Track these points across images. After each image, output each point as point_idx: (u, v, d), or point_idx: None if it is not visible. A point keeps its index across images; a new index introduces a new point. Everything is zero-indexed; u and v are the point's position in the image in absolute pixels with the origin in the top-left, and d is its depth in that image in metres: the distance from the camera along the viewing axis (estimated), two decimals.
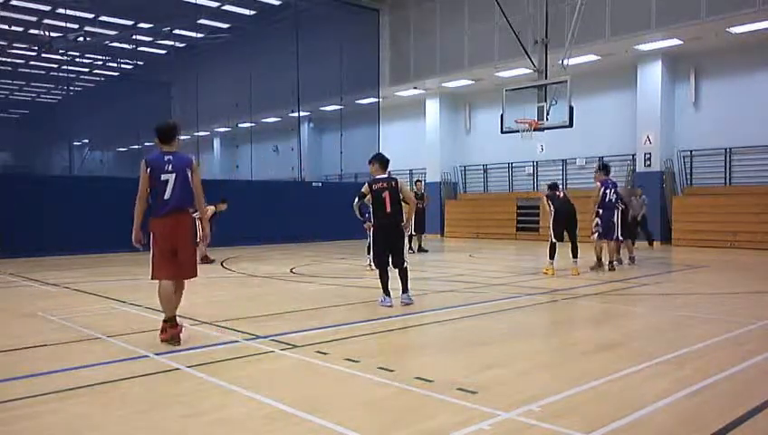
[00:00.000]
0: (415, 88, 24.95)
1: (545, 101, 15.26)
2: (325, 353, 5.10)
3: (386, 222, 7.64)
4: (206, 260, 13.43)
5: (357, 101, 25.15)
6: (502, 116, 16.07)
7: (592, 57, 19.36)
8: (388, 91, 25.02)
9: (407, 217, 7.65)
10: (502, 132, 16.34)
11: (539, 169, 23.47)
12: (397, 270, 7.70)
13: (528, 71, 17.34)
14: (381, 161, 7.98)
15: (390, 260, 7.66)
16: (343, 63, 23.53)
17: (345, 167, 24.82)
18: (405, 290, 7.72)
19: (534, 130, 15.51)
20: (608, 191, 11.88)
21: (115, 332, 6.09)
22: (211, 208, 13.23)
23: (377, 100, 24.25)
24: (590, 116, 19.81)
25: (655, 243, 17.85)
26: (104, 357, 5.13)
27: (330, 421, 3.53)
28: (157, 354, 5.15)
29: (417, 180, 19.38)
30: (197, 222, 6.37)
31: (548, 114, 15.18)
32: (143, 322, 6.77)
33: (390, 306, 7.50)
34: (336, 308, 7.66)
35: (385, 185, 7.71)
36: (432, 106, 26.11)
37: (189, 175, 5.70)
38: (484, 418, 3.58)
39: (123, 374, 4.58)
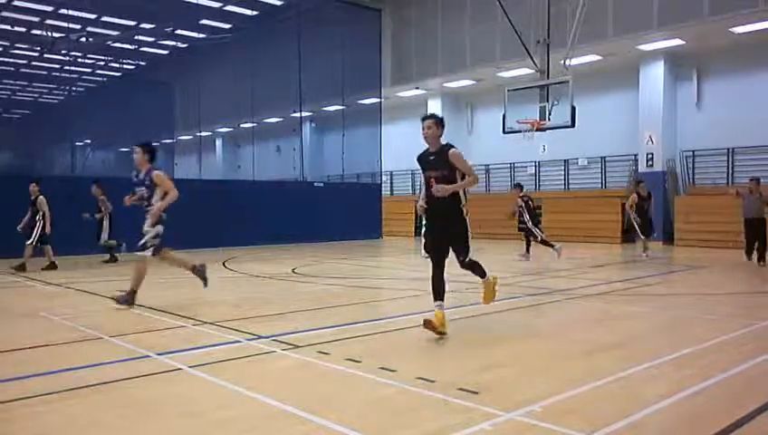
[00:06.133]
0: (417, 88, 24.96)
1: (547, 101, 15.26)
2: (327, 354, 5.10)
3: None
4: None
5: (359, 102, 25.16)
6: (504, 116, 16.07)
7: (594, 57, 19.36)
8: (390, 92, 25.03)
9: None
10: (504, 133, 16.34)
11: (541, 169, 23.46)
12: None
13: (530, 71, 17.34)
14: None
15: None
16: (345, 64, 23.54)
17: (347, 167, 24.84)
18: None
19: (536, 130, 15.51)
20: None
21: (117, 332, 6.10)
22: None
23: (379, 100, 24.25)
24: (593, 116, 19.81)
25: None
26: (106, 357, 5.14)
27: (331, 421, 3.53)
28: (159, 354, 5.16)
29: (640, 181, 15.73)
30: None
31: (550, 114, 15.18)
32: (145, 322, 6.79)
33: None
34: (338, 308, 7.66)
35: None
36: (434, 106, 26.10)
37: None
38: (486, 418, 3.58)
39: (125, 374, 4.58)
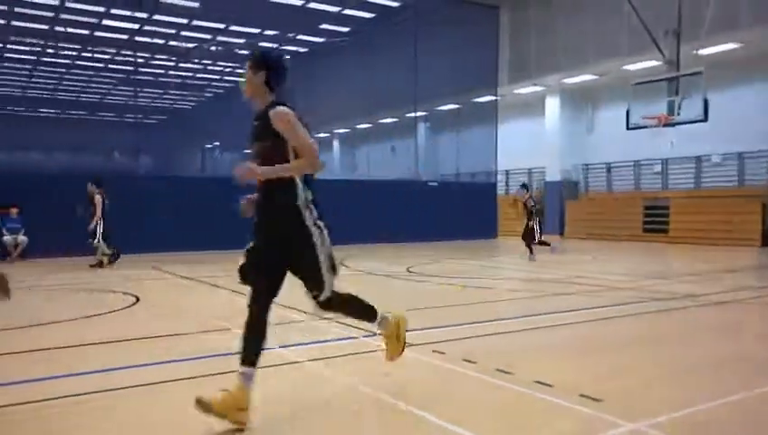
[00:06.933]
0: (534, 85, 24.37)
1: (676, 94, 14.39)
2: (442, 353, 5.09)
3: None
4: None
5: (474, 100, 24.96)
6: (628, 111, 15.33)
7: (731, 45, 17.93)
8: (507, 89, 24.62)
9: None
10: (628, 129, 15.59)
11: (669, 166, 22.11)
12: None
13: (657, 63, 16.40)
14: None
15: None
16: (461, 62, 23.43)
17: (462, 166, 24.70)
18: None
19: (664, 125, 14.68)
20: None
21: (242, 324, 6.41)
22: None
23: (495, 98, 23.93)
24: (728, 109, 18.33)
25: None
26: (230, 348, 5.41)
27: (447, 421, 3.52)
28: (281, 347, 5.37)
29: None
30: None
31: (680, 108, 14.30)
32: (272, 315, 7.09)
33: None
34: (453, 308, 7.63)
35: None
36: (552, 103, 25.37)
37: None
38: (609, 427, 3.42)
39: None
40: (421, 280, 10.65)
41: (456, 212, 21.06)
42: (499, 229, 23.18)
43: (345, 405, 3.90)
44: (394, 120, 30.20)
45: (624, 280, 10.42)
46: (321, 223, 3.83)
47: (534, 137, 26.03)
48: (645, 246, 19.49)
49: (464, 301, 8.23)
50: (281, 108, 3.73)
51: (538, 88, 24.64)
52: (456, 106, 26.59)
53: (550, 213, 24.84)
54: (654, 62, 17.27)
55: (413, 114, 24.88)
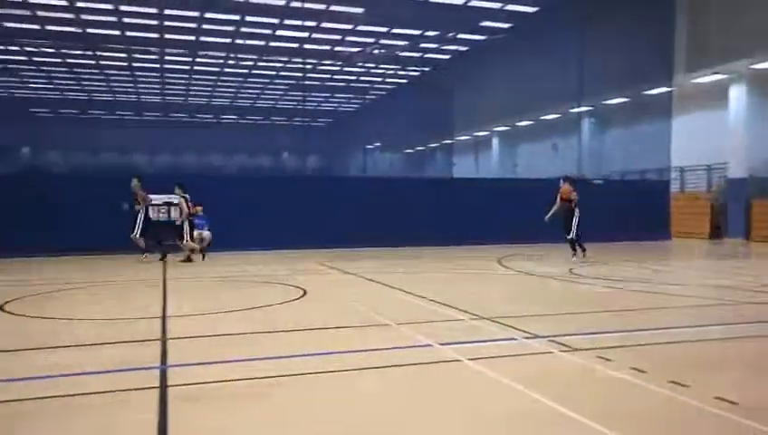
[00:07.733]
0: (716, 73, 22.27)
1: None
2: (608, 360, 4.82)
3: None
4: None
5: (644, 93, 23.39)
6: None
7: None
8: (682, 79, 22.76)
9: None
10: None
11: None
12: None
13: None
14: None
15: None
16: (631, 53, 22.04)
17: (630, 163, 23.27)
18: None
19: None
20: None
21: (402, 320, 6.55)
22: None
23: (669, 89, 22.23)
24: None
25: None
26: (393, 343, 5.55)
27: (617, 433, 3.32)
28: (440, 344, 5.41)
29: None
30: None
31: None
32: (426, 313, 7.18)
33: None
34: (620, 313, 7.21)
35: None
36: (737, 92, 22.98)
37: None
38: None
39: (410, 360, 4.89)
40: (583, 282, 10.18)
41: (624, 212, 19.82)
42: (673, 230, 21.51)
43: (508, 407, 3.82)
44: (557, 116, 29.23)
45: None
46: None
47: (714, 130, 23.74)
48: None
49: (629, 306, 7.73)
50: None
51: (720, 76, 22.48)
52: (625, 100, 25.08)
53: (733, 213, 22.57)
54: None
55: (577, 110, 23.87)
